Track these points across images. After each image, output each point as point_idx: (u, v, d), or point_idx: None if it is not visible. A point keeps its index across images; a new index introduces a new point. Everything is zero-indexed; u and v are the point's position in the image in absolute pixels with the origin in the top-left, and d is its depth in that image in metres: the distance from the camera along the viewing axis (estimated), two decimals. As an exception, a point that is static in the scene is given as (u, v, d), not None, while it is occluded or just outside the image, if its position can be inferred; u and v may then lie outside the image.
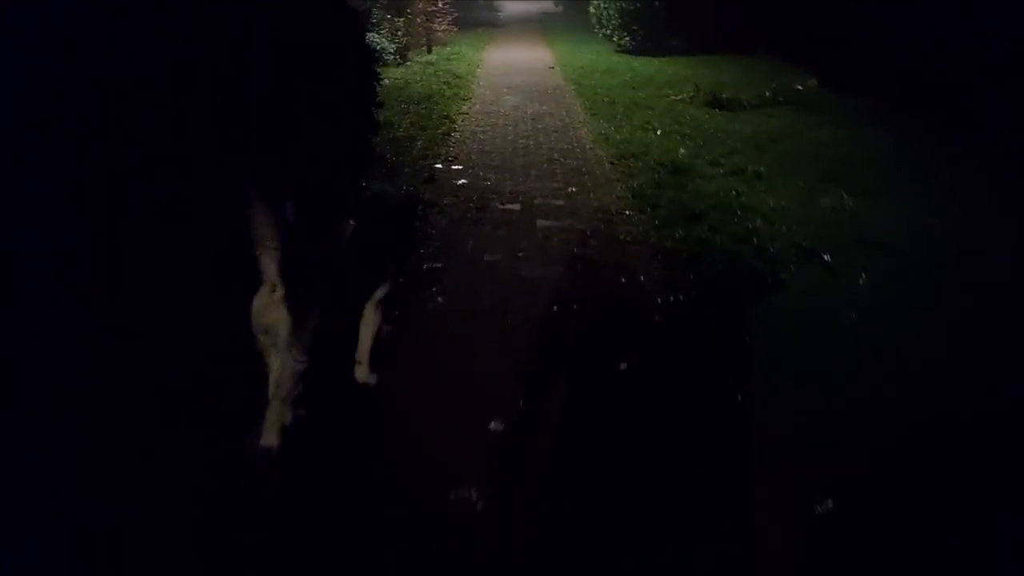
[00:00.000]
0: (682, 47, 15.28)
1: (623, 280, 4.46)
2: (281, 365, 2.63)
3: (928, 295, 4.26)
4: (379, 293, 3.15)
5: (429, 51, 15.38)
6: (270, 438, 2.66)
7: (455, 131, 8.41)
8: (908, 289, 4.32)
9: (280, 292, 2.55)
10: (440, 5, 16.30)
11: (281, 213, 2.55)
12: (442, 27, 15.79)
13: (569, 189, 6.27)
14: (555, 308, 4.10)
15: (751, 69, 13.09)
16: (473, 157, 7.30)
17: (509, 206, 5.81)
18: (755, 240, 4.97)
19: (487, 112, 9.56)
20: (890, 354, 3.64)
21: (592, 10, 17.25)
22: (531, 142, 7.95)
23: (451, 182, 6.46)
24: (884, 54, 10.94)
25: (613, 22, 15.97)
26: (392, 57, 13.43)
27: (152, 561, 2.33)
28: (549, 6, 31.31)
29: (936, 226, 5.35)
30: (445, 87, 11.04)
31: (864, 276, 4.41)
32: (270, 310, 2.57)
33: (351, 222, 2.98)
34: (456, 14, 16.98)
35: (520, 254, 4.87)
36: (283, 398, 2.66)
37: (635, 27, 15.53)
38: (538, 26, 23.17)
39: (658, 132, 8.22)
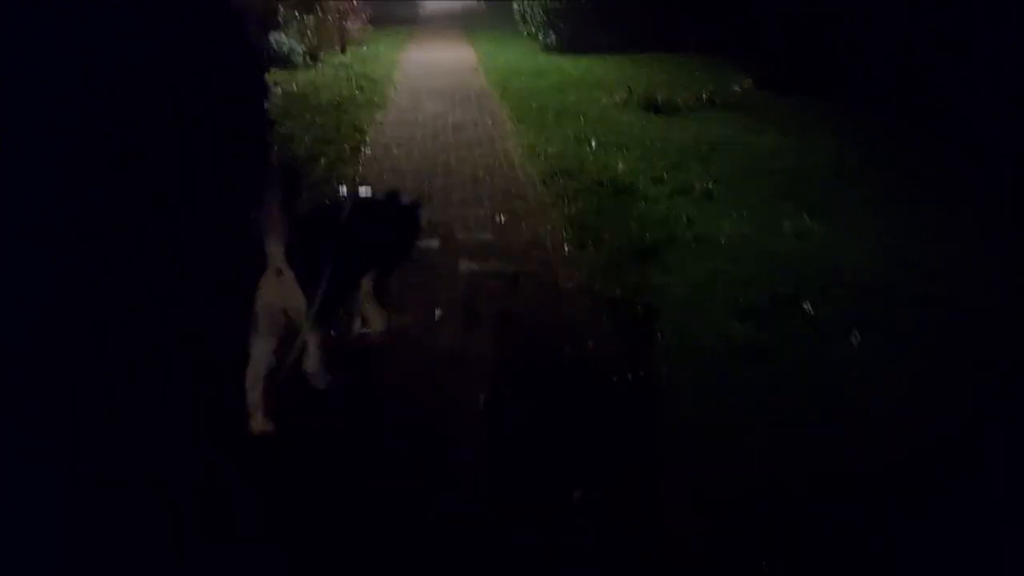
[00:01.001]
0: (611, 45, 14.53)
1: (568, 351, 3.54)
2: (261, 350, 2.66)
3: (936, 362, 3.48)
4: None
5: (343, 51, 14.22)
6: (258, 423, 2.69)
7: (366, 145, 7.36)
8: (910, 354, 3.54)
9: (289, 275, 2.59)
10: (355, 2, 15.12)
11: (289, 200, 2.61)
12: (357, 25, 14.62)
13: (497, 218, 5.33)
14: (482, 406, 3.16)
15: (684, 68, 12.41)
16: (385, 177, 6.29)
17: (426, 243, 4.82)
18: (719, 285, 4.11)
19: (404, 122, 8.53)
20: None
21: (516, 7, 16.34)
22: (453, 157, 6.98)
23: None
24: (819, 53, 10.38)
25: (538, 19, 15.10)
26: (301, 59, 12.24)
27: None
28: (472, 3, 30.27)
29: (915, 256, 4.63)
30: (358, 93, 9.96)
31: (857, 336, 3.60)
32: (283, 292, 2.61)
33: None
34: (372, 12, 15.80)
35: (437, 313, 3.90)
36: (260, 382, 2.68)
37: (561, 24, 14.69)
38: (461, 23, 22.13)
39: (593, 143, 7.35)
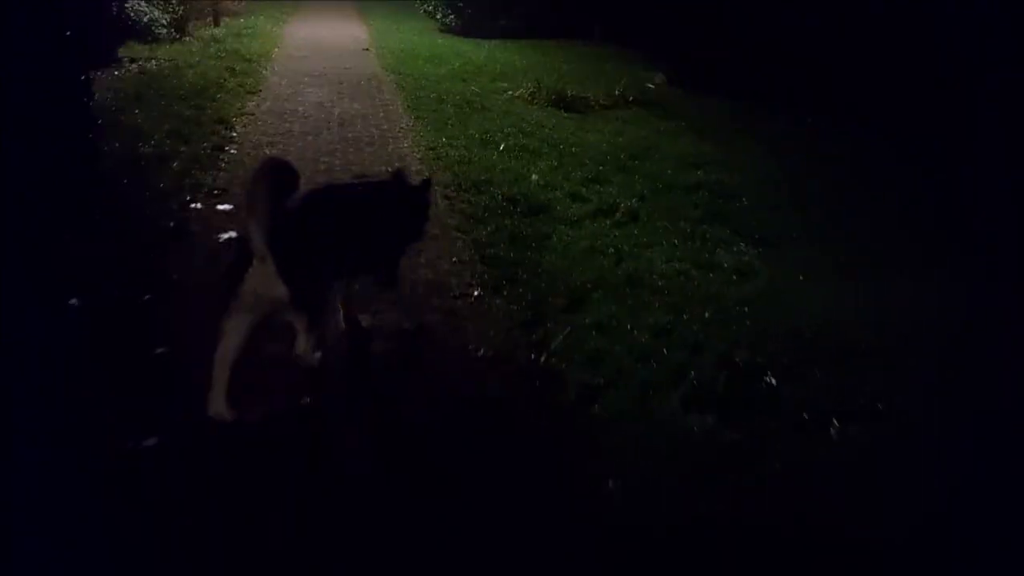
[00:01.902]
0: (512, 29, 13.63)
1: (479, 459, 2.65)
2: (235, 330, 2.64)
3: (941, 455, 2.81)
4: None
5: (216, 24, 12.67)
6: (217, 406, 2.65)
7: (232, 143, 6.18)
8: (893, 451, 2.85)
9: (270, 263, 2.55)
10: (231, -32, 13.53)
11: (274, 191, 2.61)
12: (231, -3, 13.07)
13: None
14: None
15: (591, 59, 11.67)
16: (252, 188, 5.15)
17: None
18: (665, 351, 3.31)
19: (280, 112, 7.35)
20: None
21: (412, -17, 15.15)
22: (338, 161, 5.91)
23: (209, 237, 4.32)
24: (733, 47, 9.86)
25: (436, -1, 13.99)
26: (165, 31, 10.69)
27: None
28: (365, -26, 28.60)
29: (873, 294, 4.01)
30: (228, 75, 8.63)
31: (836, 425, 2.87)
32: (265, 280, 2.57)
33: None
34: None
35: (305, 400, 2.92)
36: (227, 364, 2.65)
37: (461, 4, 13.65)
38: (352, -3, 20.62)
39: (501, 146, 6.45)
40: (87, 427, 2.62)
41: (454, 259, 4.24)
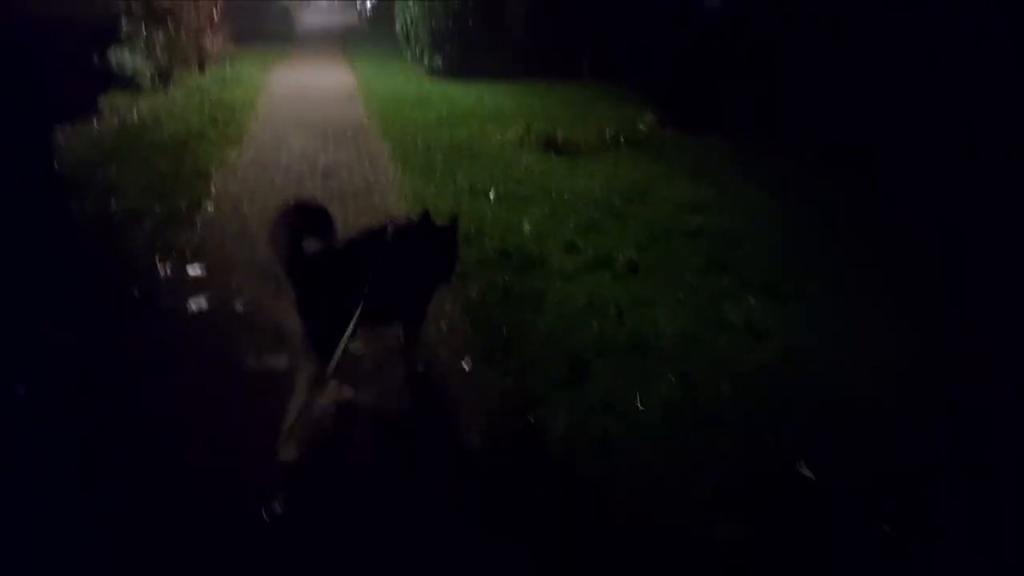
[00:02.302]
0: (500, 70, 13.49)
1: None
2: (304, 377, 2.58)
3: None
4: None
5: (202, 71, 12.48)
6: (288, 452, 2.57)
7: (210, 199, 5.87)
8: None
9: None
10: (216, 15, 13.39)
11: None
12: (217, 43, 12.89)
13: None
14: None
15: (579, 99, 11.49)
16: (227, 248, 4.85)
17: (267, 362, 3.46)
18: (680, 436, 2.97)
19: (263, 164, 7.06)
20: None
21: (399, 27, 15.05)
22: (319, 215, 5.57)
23: (179, 306, 3.98)
24: (723, 86, 9.70)
25: (423, 41, 13.86)
26: (149, 81, 10.47)
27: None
28: (353, 20, 28.71)
29: (898, 348, 3.68)
30: (211, 125, 8.36)
31: (886, 527, 2.53)
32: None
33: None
34: (238, 28, 14.05)
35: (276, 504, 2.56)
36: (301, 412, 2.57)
37: (447, 47, 13.51)
38: (339, 42, 20.58)
39: (491, 195, 6.16)
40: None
41: (444, 323, 3.90)
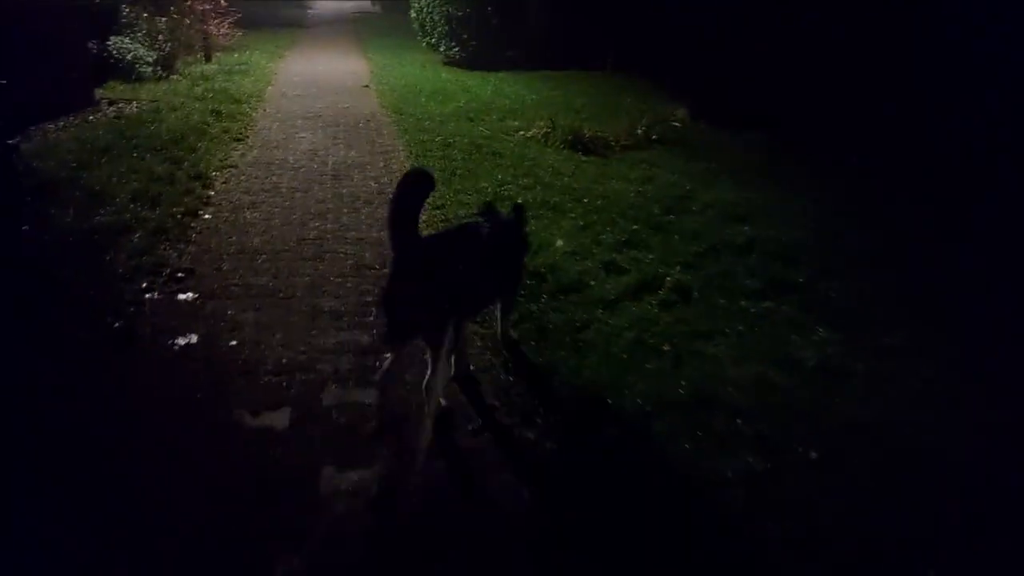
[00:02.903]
0: (519, 60, 12.86)
1: None
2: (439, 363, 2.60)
3: None
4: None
5: (208, 60, 11.89)
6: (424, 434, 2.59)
7: (208, 206, 5.30)
8: None
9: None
10: (222, 0, 12.78)
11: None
12: (223, 29, 12.29)
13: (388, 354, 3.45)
14: None
15: (604, 91, 10.83)
16: (224, 267, 4.27)
17: (265, 419, 2.89)
18: (773, 521, 2.39)
19: (268, 163, 6.48)
20: None
21: (413, 14, 14.39)
22: (329, 227, 5.02)
23: (166, 341, 3.42)
24: (759, 77, 9.03)
25: (439, 29, 13.22)
26: (151, 70, 9.89)
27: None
28: (366, 5, 28.02)
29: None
30: (213, 119, 7.79)
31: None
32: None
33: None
34: (248, 14, 13.40)
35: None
36: (428, 381, 2.64)
37: (465, 35, 12.87)
38: (352, 29, 19.94)
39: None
40: None
41: (471, 367, 3.32)
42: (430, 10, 13.40)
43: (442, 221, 5.17)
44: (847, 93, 8.39)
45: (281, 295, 3.95)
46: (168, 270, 4.16)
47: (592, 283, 4.25)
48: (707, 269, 4.57)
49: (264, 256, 4.44)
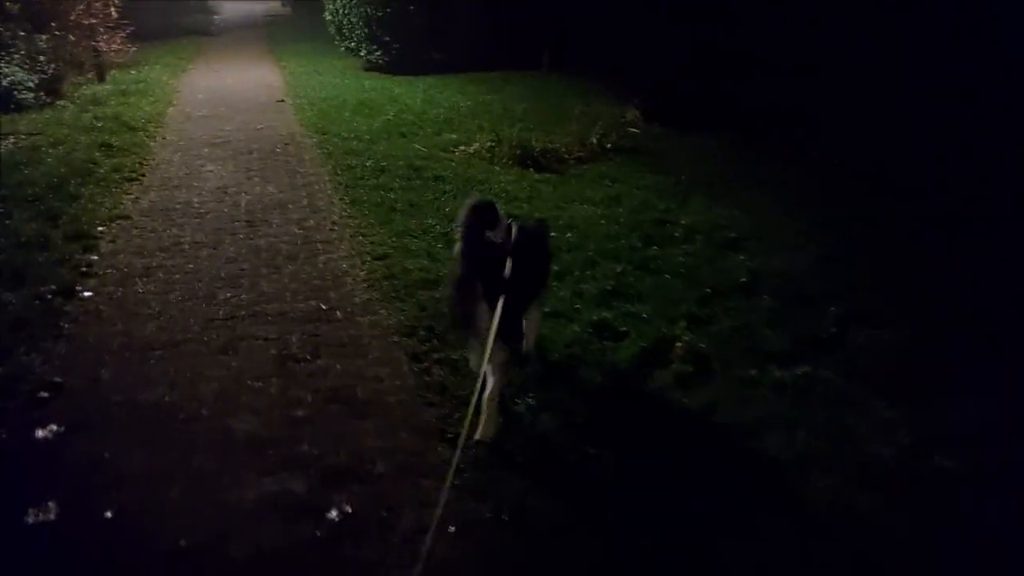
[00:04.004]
0: (447, 62, 11.83)
1: None
2: (492, 358, 2.56)
3: None
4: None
5: (101, 79, 10.46)
6: (487, 432, 2.64)
7: (90, 277, 4.15)
8: None
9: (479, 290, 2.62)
10: (115, 11, 11.31)
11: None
12: (115, 44, 10.87)
13: (338, 500, 2.46)
14: None
15: (544, 94, 9.94)
16: (104, 375, 3.18)
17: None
18: None
19: (167, 210, 5.34)
20: None
21: (329, 16, 13.17)
22: (243, 299, 3.97)
23: (10, 498, 2.35)
24: (711, 74, 8.31)
25: (358, 32, 12.07)
26: (32, 96, 8.49)
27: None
28: (276, 7, 26.38)
29: None
30: (103, 154, 6.55)
31: None
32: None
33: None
34: (131, 26, 11.84)
35: None
36: (492, 393, 2.64)
37: (387, 38, 11.76)
38: (263, 34, 18.51)
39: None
40: None
41: (428, 480, 2.36)
42: (347, 12, 12.22)
43: (386, 277, 4.17)
44: (803, 86, 7.72)
45: (181, 416, 2.90)
46: (27, 387, 3.04)
47: (587, 360, 3.33)
48: (718, 323, 3.74)
49: (158, 353, 3.36)
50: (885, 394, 3.11)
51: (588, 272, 4.26)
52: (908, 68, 6.75)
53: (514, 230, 2.81)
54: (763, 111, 7.71)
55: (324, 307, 3.83)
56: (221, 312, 3.77)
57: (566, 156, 6.91)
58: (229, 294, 3.97)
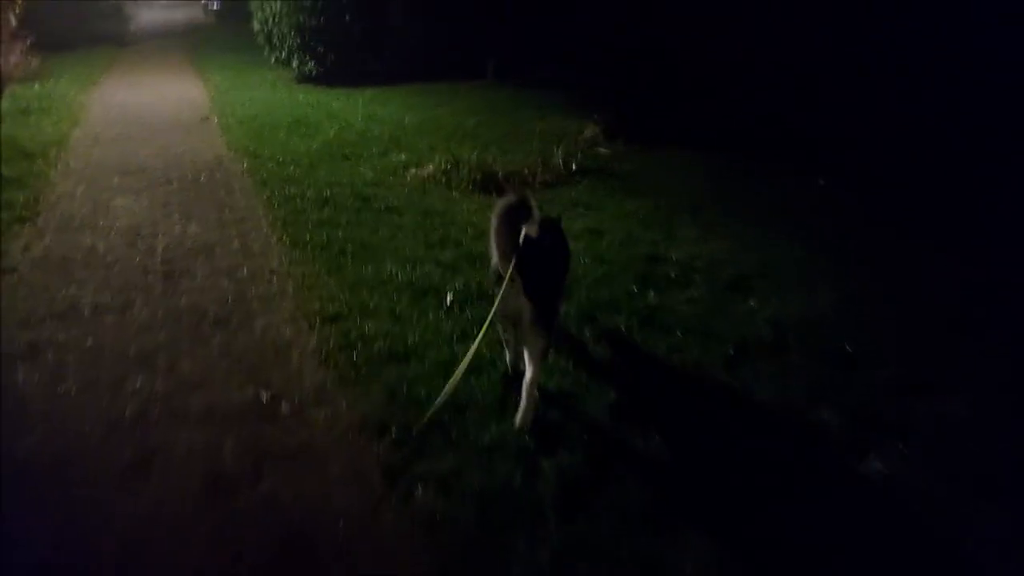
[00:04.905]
0: (388, 73, 10.98)
1: None
2: (531, 347, 2.70)
3: None
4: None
5: (-4, 96, 9.18)
6: (526, 419, 2.67)
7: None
8: None
9: (518, 283, 2.65)
10: (13, 20, 10.04)
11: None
12: (14, 56, 9.61)
13: None
14: None
15: (495, 106, 9.21)
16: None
17: None
18: None
19: (64, 260, 4.36)
20: None
21: (257, 25, 12.11)
22: (158, 387, 3.08)
23: None
24: (677, 85, 7.74)
25: (290, 42, 11.07)
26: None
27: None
28: (198, 15, 24.87)
29: None
30: (-13, 189, 5.46)
31: None
32: (513, 299, 2.67)
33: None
34: (51, 29, 10.59)
35: None
36: (534, 379, 2.69)
37: (321, 49, 10.82)
38: (185, 43, 17.21)
39: (449, 298, 3.80)
40: None
41: None
42: (277, 20, 11.21)
43: (343, 347, 3.33)
44: (780, 97, 7.21)
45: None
46: None
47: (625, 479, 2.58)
48: (756, 399, 3.03)
49: (33, 490, 2.45)
50: (986, 493, 2.47)
51: (586, 329, 3.52)
52: (901, 70, 6.27)
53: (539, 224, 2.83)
54: (736, 126, 7.17)
55: (265, 396, 2.96)
56: (128, 409, 2.86)
57: (531, 180, 6.17)
58: (140, 382, 3.06)
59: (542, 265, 2.71)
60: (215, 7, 23.35)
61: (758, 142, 6.90)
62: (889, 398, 3.03)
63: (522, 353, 2.77)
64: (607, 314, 3.69)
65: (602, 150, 6.85)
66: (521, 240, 2.69)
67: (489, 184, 5.94)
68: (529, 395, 2.69)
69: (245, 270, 4.23)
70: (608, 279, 4.14)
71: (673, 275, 4.25)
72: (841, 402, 2.97)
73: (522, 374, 2.75)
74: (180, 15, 24.28)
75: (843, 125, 6.67)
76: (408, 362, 3.18)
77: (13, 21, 10.25)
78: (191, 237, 4.77)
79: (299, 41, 10.88)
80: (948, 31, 6.05)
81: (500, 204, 3.09)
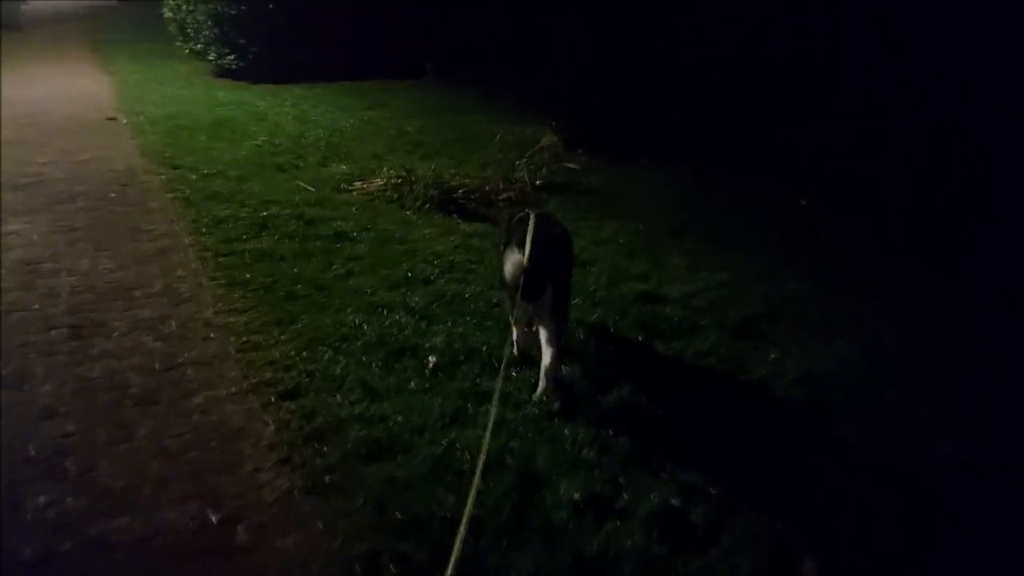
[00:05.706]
0: (315, 69, 10.08)
1: None
2: (548, 331, 2.85)
3: None
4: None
5: None
6: (549, 391, 2.83)
7: None
8: None
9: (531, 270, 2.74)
10: None
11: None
12: None
13: None
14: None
15: (438, 109, 8.53)
16: None
17: None
18: None
19: (-63, 314, 3.45)
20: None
21: (169, 13, 10.94)
22: (69, 504, 2.30)
23: None
24: (640, 89, 7.30)
25: (206, 33, 10.01)
26: None
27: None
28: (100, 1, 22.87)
29: None
30: None
31: None
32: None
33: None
34: None
35: None
36: (552, 364, 2.83)
37: (242, 41, 9.82)
38: (86, 29, 15.64)
39: (430, 361, 3.15)
40: None
41: None
42: (191, 8, 10.11)
43: (308, 439, 2.63)
44: (753, 104, 6.84)
45: None
46: None
47: None
48: (807, 498, 2.52)
49: None
50: None
51: (599, 400, 2.94)
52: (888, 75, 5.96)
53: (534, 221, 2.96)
54: (701, 134, 6.76)
55: (214, 518, 2.25)
56: (28, 552, 2.10)
57: (494, 198, 5.55)
58: (43, 498, 2.30)
59: (553, 250, 2.92)
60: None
61: (726, 154, 6.50)
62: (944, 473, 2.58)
63: (538, 339, 2.91)
64: (607, 369, 3.13)
65: (569, 165, 6.26)
66: (531, 225, 2.88)
67: (447, 203, 5.29)
68: (546, 378, 2.86)
69: (173, 323, 3.45)
70: (602, 325, 3.59)
71: (675, 318, 3.74)
72: (892, 498, 2.50)
73: (528, 355, 3.05)
74: (84, 2, 22.25)
75: (815, 135, 6.34)
76: (394, 457, 2.52)
77: None
78: (103, 274, 3.93)
79: (217, 32, 9.84)
80: (925, 43, 5.77)
81: (516, 219, 3.18)
